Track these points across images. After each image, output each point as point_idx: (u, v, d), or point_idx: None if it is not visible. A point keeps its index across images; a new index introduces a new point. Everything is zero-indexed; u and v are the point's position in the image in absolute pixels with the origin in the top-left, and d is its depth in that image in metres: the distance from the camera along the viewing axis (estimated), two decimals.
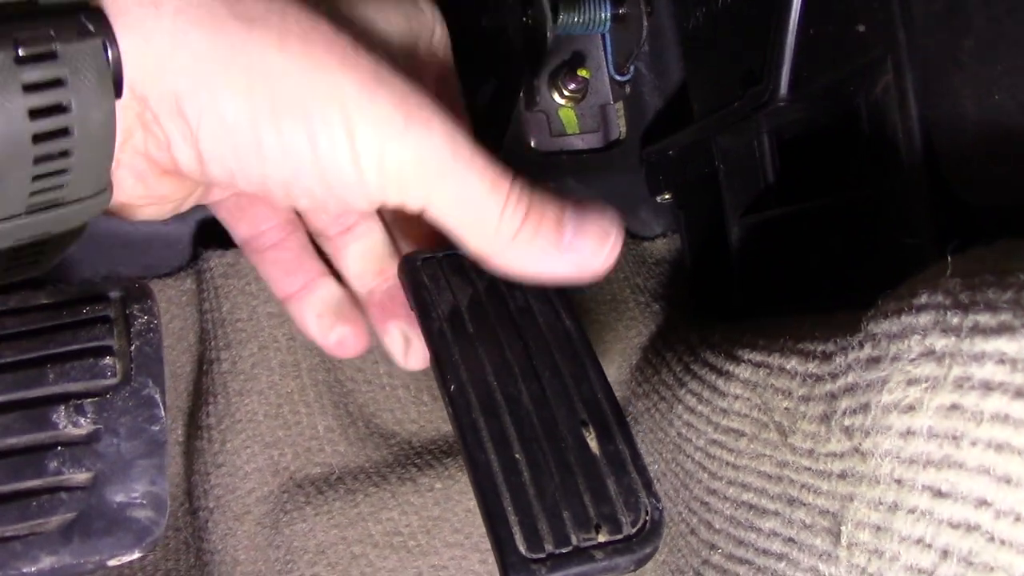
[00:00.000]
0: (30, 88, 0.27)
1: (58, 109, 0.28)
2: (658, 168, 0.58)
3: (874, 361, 0.32)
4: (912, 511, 0.30)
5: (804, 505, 0.36)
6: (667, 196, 0.59)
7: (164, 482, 0.28)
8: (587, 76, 0.58)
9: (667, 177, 0.58)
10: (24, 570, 0.26)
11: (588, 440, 0.37)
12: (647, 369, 0.51)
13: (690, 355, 0.46)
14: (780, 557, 0.38)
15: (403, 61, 0.37)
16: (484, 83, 0.58)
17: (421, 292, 0.40)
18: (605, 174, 0.60)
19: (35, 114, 0.28)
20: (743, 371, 0.41)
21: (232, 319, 0.48)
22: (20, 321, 0.29)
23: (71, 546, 0.27)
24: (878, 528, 0.31)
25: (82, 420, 0.28)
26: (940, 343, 0.29)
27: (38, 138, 0.28)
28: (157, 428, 0.29)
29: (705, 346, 0.45)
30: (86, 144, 0.29)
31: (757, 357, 0.40)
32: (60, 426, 0.28)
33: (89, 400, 0.28)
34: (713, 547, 0.43)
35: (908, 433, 0.30)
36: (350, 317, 0.43)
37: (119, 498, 0.28)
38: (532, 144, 0.59)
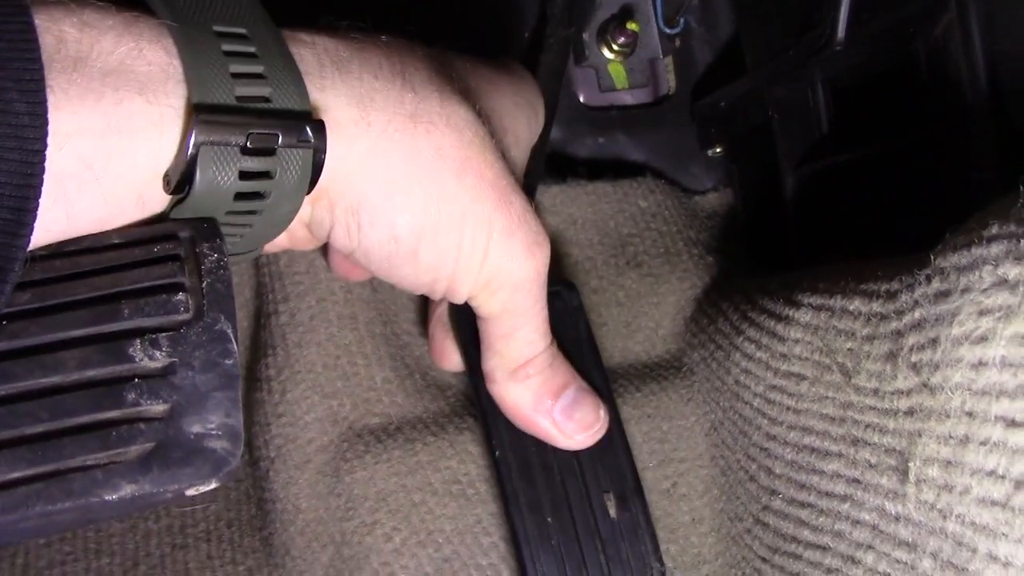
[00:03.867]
0: (244, 175, 0.31)
1: (257, 196, 0.32)
2: (709, 121, 0.58)
3: (943, 295, 0.32)
4: (984, 443, 0.30)
5: (869, 445, 0.36)
6: (718, 150, 0.58)
7: (239, 414, 0.29)
8: (636, 30, 0.57)
9: (719, 130, 0.57)
10: (106, 498, 0.27)
11: (608, 506, 0.43)
12: (702, 319, 0.51)
13: (747, 303, 0.46)
14: (844, 498, 0.38)
15: (525, 154, 0.44)
16: (534, 40, 0.58)
17: (470, 350, 0.44)
18: (655, 129, 0.60)
19: (238, 196, 0.31)
20: (803, 315, 0.41)
21: (290, 272, 0.48)
22: (93, 260, 0.30)
23: (151, 475, 0.27)
24: (948, 463, 0.31)
25: (157, 353, 0.28)
26: (1013, 271, 0.29)
27: (230, 214, 0.32)
28: (230, 362, 0.29)
29: (762, 293, 0.45)
30: (268, 224, 0.33)
31: (817, 300, 0.40)
32: (136, 359, 0.28)
33: (164, 334, 0.29)
34: (774, 492, 0.43)
35: (980, 364, 0.30)
36: None
37: (196, 429, 0.28)
38: (581, 99, 0.59)
